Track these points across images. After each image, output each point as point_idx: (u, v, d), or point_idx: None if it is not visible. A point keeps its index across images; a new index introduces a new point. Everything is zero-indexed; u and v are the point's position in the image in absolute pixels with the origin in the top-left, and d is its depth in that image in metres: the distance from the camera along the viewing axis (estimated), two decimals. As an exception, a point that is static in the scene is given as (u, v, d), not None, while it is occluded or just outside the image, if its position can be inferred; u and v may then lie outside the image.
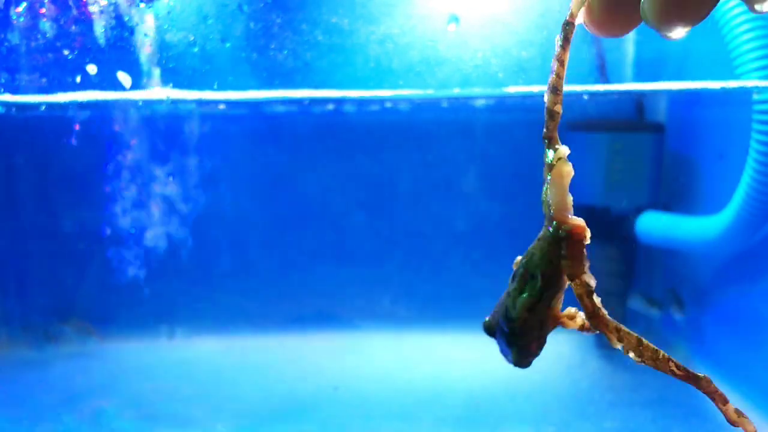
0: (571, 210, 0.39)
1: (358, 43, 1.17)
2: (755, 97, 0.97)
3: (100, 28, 1.10)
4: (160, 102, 1.17)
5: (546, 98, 0.39)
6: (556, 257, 0.38)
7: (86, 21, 1.10)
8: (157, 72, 1.12)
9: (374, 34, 1.17)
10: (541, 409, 1.14)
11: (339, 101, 1.31)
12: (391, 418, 1.12)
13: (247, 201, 1.48)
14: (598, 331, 0.39)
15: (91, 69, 1.11)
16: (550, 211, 0.39)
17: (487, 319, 0.43)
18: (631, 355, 0.39)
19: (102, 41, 1.11)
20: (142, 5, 1.10)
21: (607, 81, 1.30)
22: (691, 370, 0.39)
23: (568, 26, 0.38)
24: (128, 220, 1.40)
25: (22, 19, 1.10)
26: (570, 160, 0.39)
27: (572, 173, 0.38)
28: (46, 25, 1.10)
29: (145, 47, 1.11)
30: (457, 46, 1.18)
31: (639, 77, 1.35)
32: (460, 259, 1.48)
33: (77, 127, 1.36)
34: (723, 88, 1.07)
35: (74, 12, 1.09)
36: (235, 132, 1.45)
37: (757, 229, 1.02)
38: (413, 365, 1.35)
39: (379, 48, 1.17)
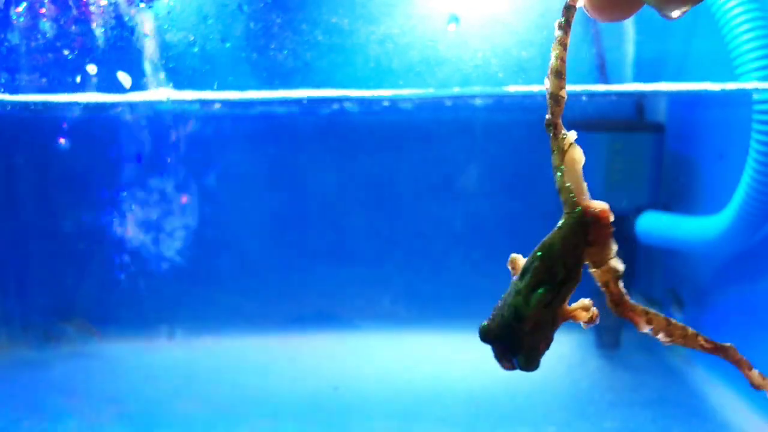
0: (588, 194, 0.38)
1: (358, 43, 1.17)
2: (755, 97, 0.97)
3: (100, 28, 1.10)
4: (160, 102, 1.17)
5: (548, 83, 0.38)
6: (581, 245, 0.37)
7: (86, 21, 1.10)
8: (156, 72, 1.12)
9: (374, 34, 1.17)
10: (541, 409, 1.14)
11: (339, 101, 1.31)
12: (391, 418, 1.12)
13: (247, 201, 1.48)
14: (595, 323, 0.39)
15: (91, 69, 1.11)
16: (570, 197, 0.38)
17: (484, 323, 0.40)
18: (661, 336, 0.38)
19: (102, 41, 1.11)
20: (142, 5, 1.10)
21: (607, 81, 1.30)
22: (717, 342, 0.39)
23: (569, 9, 0.37)
24: (128, 220, 1.40)
25: (22, 19, 1.10)
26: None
27: (584, 158, 0.37)
28: (46, 25, 1.10)
29: (146, 47, 1.11)
30: (457, 46, 1.18)
31: (639, 77, 1.35)
32: (460, 259, 1.48)
33: (77, 127, 1.36)
34: (723, 90, 1.07)
35: (74, 12, 1.09)
36: (235, 132, 1.45)
37: (757, 229, 1.02)
38: (413, 365, 1.35)
39: (379, 48, 1.17)
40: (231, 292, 1.49)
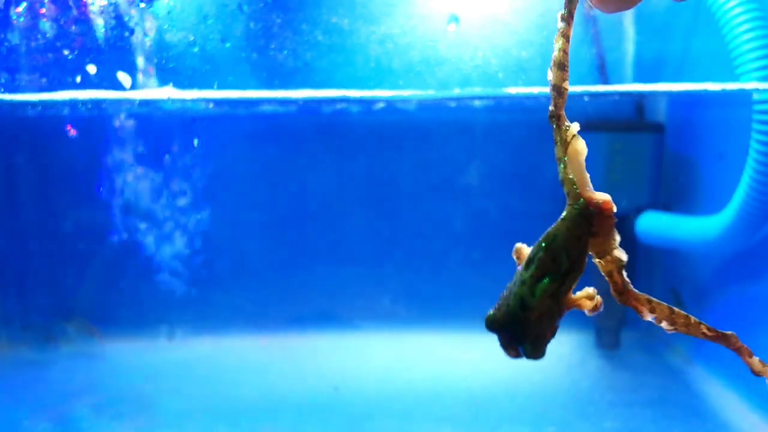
0: (592, 185, 0.38)
1: (358, 43, 1.17)
2: (755, 97, 0.97)
3: (100, 28, 1.10)
4: (159, 102, 1.17)
5: (551, 75, 0.38)
6: (585, 235, 0.38)
7: (86, 21, 1.10)
8: (156, 72, 1.12)
9: (374, 34, 1.17)
10: (541, 409, 1.14)
11: (339, 101, 1.31)
12: (391, 418, 1.12)
13: (247, 201, 1.48)
14: (599, 311, 0.39)
15: (91, 69, 1.11)
16: (574, 188, 0.38)
17: (490, 312, 0.41)
18: (664, 324, 0.39)
19: (102, 41, 1.11)
20: (142, 5, 1.10)
21: (607, 81, 1.30)
22: (718, 330, 0.40)
23: (572, 1, 0.37)
24: (128, 220, 1.40)
25: (22, 19, 1.10)
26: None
27: (587, 149, 0.38)
28: (46, 25, 1.10)
29: (146, 47, 1.11)
30: (457, 46, 1.18)
31: (639, 78, 1.35)
32: (460, 259, 1.48)
33: (77, 126, 1.36)
34: (723, 90, 1.07)
35: (74, 12, 1.09)
36: (236, 132, 1.45)
37: (757, 229, 1.02)
38: (413, 365, 1.35)
39: (379, 48, 1.17)
40: (231, 292, 1.49)
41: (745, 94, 0.99)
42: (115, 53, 1.11)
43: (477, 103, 1.34)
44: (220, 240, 1.48)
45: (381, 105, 1.33)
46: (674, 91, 1.27)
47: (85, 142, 1.39)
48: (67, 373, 1.33)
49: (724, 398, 1.14)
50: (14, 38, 1.11)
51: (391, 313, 1.49)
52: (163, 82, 1.12)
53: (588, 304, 0.39)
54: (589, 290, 0.39)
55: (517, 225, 1.42)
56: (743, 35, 0.95)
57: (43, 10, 1.09)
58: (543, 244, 0.39)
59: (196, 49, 1.13)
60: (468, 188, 1.45)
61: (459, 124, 1.43)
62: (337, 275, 1.49)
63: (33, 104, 1.19)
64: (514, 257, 0.41)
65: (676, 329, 0.39)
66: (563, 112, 0.38)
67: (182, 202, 1.42)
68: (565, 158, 0.38)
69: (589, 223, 0.38)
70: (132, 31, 1.11)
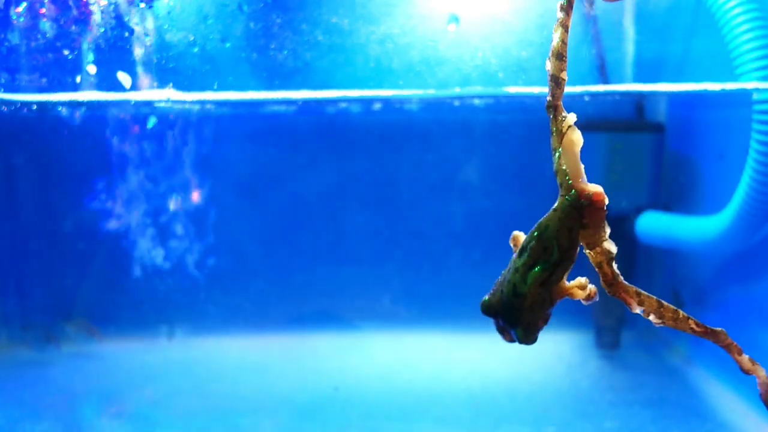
0: (585, 177, 0.38)
1: (358, 43, 1.17)
2: (755, 97, 0.97)
3: (100, 28, 1.10)
4: (159, 102, 1.17)
5: (549, 65, 0.38)
6: (575, 226, 0.38)
7: (86, 21, 1.10)
8: (156, 72, 1.12)
9: (374, 34, 1.17)
10: (541, 409, 1.14)
11: (339, 101, 1.31)
12: (391, 418, 1.12)
13: (246, 201, 1.48)
14: (594, 300, 0.39)
15: (91, 69, 1.11)
16: (566, 179, 0.38)
17: (485, 298, 0.41)
18: (652, 317, 0.39)
19: (102, 41, 1.10)
20: (142, 5, 1.10)
21: (607, 81, 1.30)
22: (708, 326, 0.40)
23: None
24: (128, 220, 1.40)
25: (22, 19, 1.10)
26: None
27: (582, 140, 0.38)
28: (46, 25, 1.10)
29: (146, 47, 1.11)
30: (457, 46, 1.18)
31: (639, 77, 1.35)
32: (460, 259, 1.48)
33: (77, 126, 1.36)
34: (723, 90, 1.06)
35: (74, 12, 1.09)
36: (235, 132, 1.45)
37: (757, 229, 1.02)
38: (413, 365, 1.35)
39: (379, 48, 1.17)
40: (231, 292, 1.49)
41: (745, 94, 0.99)
42: (115, 53, 1.11)
43: (477, 102, 1.34)
44: (220, 240, 1.48)
45: (378, 105, 1.33)
46: (674, 91, 1.27)
47: (85, 142, 1.39)
48: (67, 373, 1.33)
49: (723, 398, 1.14)
50: (14, 38, 1.11)
51: (391, 313, 1.49)
52: (163, 82, 1.12)
53: (580, 293, 0.39)
54: (582, 280, 0.40)
55: (517, 225, 1.41)
56: (743, 35, 0.95)
57: (43, 10, 1.09)
58: (535, 234, 0.39)
59: (196, 49, 1.13)
60: (468, 188, 1.45)
61: (459, 124, 1.43)
62: (337, 275, 1.49)
63: (33, 105, 1.19)
64: (511, 244, 0.41)
65: (663, 323, 0.39)
66: (560, 103, 0.39)
67: (182, 202, 1.42)
68: (560, 149, 0.38)
69: (580, 214, 0.38)
70: (132, 31, 1.11)
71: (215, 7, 1.14)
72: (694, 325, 0.39)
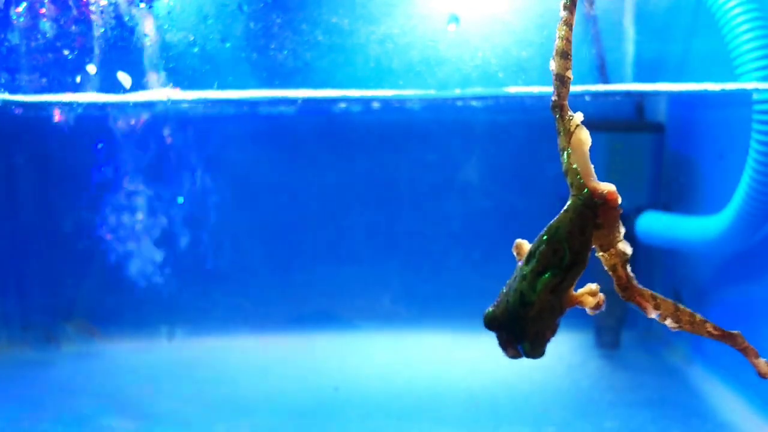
0: (596, 175, 0.37)
1: (358, 43, 1.17)
2: (755, 97, 0.97)
3: (100, 28, 1.10)
4: (159, 102, 1.17)
5: (554, 64, 0.37)
6: (589, 227, 0.36)
7: (86, 21, 1.10)
8: (156, 72, 1.12)
9: (374, 34, 1.17)
10: (541, 409, 1.14)
11: (339, 101, 1.31)
12: (391, 418, 1.12)
13: (247, 201, 1.48)
14: (601, 309, 0.38)
15: (91, 69, 1.11)
16: (578, 179, 0.37)
17: (489, 309, 0.39)
18: (668, 322, 0.38)
19: (102, 41, 1.10)
20: (142, 5, 1.10)
21: (607, 81, 1.30)
22: (724, 329, 0.38)
23: None
24: (128, 220, 1.40)
25: (22, 19, 1.10)
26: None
27: (590, 139, 0.37)
28: (46, 25, 1.10)
29: (146, 47, 1.11)
30: (457, 46, 1.18)
31: (639, 77, 1.35)
32: (460, 259, 1.48)
33: (77, 127, 1.36)
34: (723, 90, 1.06)
35: (74, 12, 1.09)
36: (235, 132, 1.45)
37: (757, 229, 1.02)
38: (413, 365, 1.35)
39: (379, 48, 1.17)
40: (231, 292, 1.49)
41: (745, 94, 0.99)
42: (115, 53, 1.11)
43: (477, 103, 1.34)
44: (220, 240, 1.48)
45: (378, 105, 1.33)
46: (674, 91, 1.27)
47: (85, 142, 1.39)
48: (67, 373, 1.33)
49: (723, 398, 1.14)
50: (14, 38, 1.11)
51: (391, 313, 1.49)
52: (163, 82, 1.12)
53: (590, 301, 0.38)
54: (592, 286, 0.38)
55: (517, 225, 1.41)
56: (743, 35, 0.95)
57: (43, 10, 1.09)
58: (545, 237, 0.37)
59: (196, 49, 1.13)
60: (468, 188, 1.45)
61: (459, 124, 1.43)
62: (337, 275, 1.49)
63: (33, 105, 1.19)
64: (514, 253, 0.40)
65: (680, 327, 0.38)
66: (566, 102, 0.38)
67: (182, 202, 1.42)
68: (569, 148, 0.37)
69: (593, 214, 0.37)
70: (132, 31, 1.11)
71: (215, 7, 1.14)
72: (711, 329, 0.38)
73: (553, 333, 0.39)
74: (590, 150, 0.38)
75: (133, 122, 1.37)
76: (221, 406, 1.17)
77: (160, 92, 1.12)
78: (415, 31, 1.18)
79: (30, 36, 1.10)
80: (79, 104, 1.15)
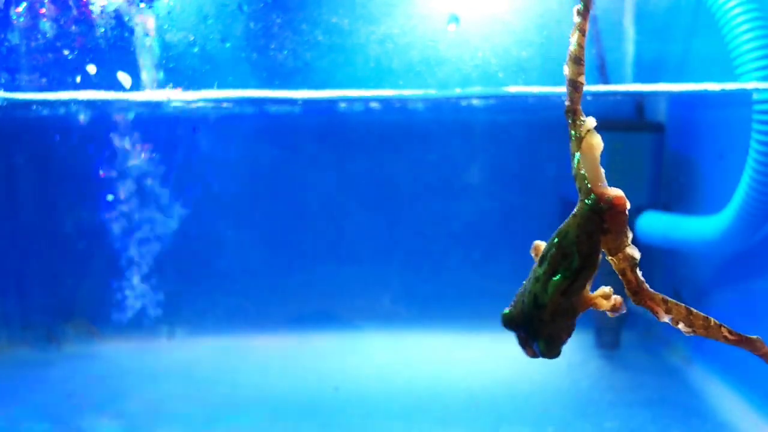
0: (605, 181, 0.37)
1: (358, 43, 1.17)
2: (755, 97, 0.97)
3: (100, 28, 1.10)
4: (159, 102, 1.17)
5: (567, 70, 0.37)
6: (596, 232, 0.37)
7: (86, 21, 1.10)
8: (156, 72, 1.12)
9: (374, 34, 1.17)
10: (541, 409, 1.14)
11: (339, 101, 1.31)
12: (391, 418, 1.12)
13: (247, 201, 1.48)
14: (620, 312, 0.37)
15: (91, 69, 1.11)
16: (586, 184, 0.37)
17: (506, 310, 0.40)
18: (681, 326, 0.37)
19: (102, 41, 1.10)
20: (142, 5, 1.10)
21: (607, 81, 1.30)
22: (742, 333, 0.38)
23: None
24: (128, 220, 1.40)
25: (22, 19, 1.10)
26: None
27: (602, 144, 0.37)
28: (46, 25, 1.10)
29: (146, 47, 1.11)
30: (457, 46, 1.18)
31: (639, 78, 1.35)
32: (460, 259, 1.48)
33: (77, 127, 1.36)
34: (723, 90, 1.06)
35: (74, 12, 1.09)
36: (236, 132, 1.45)
37: (757, 229, 1.02)
38: (413, 365, 1.35)
39: (379, 48, 1.17)
40: (231, 292, 1.49)
41: (745, 94, 0.99)
42: (115, 53, 1.11)
43: (477, 102, 1.34)
44: (220, 240, 1.48)
45: (377, 105, 1.33)
46: (674, 91, 1.27)
47: (85, 142, 1.39)
48: (67, 373, 1.33)
49: (723, 398, 1.14)
50: (14, 38, 1.11)
51: (391, 313, 1.49)
52: (163, 82, 1.12)
53: (605, 304, 0.38)
54: (605, 289, 0.38)
55: (518, 225, 1.42)
56: (743, 35, 0.95)
57: (43, 10, 1.09)
58: (555, 240, 0.38)
59: (196, 49, 1.13)
60: (468, 188, 1.45)
61: (459, 124, 1.43)
62: (337, 275, 1.49)
63: (34, 105, 1.19)
64: (532, 254, 0.40)
65: (694, 332, 0.37)
66: (579, 107, 0.38)
67: (182, 201, 1.42)
68: (579, 153, 0.37)
69: (600, 218, 0.37)
70: (132, 31, 1.11)
71: (215, 7, 1.14)
72: (727, 333, 0.38)
73: (568, 334, 0.39)
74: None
75: (132, 122, 1.37)
76: (221, 406, 1.17)
77: (160, 92, 1.12)
78: (415, 31, 1.18)
79: (30, 36, 1.10)
80: (79, 104, 1.15)
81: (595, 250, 0.37)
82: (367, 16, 1.17)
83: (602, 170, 0.37)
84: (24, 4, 1.09)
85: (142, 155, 1.38)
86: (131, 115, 1.36)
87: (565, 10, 1.13)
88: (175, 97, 1.13)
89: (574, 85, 0.38)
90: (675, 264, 1.40)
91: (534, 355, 0.40)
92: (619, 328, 1.39)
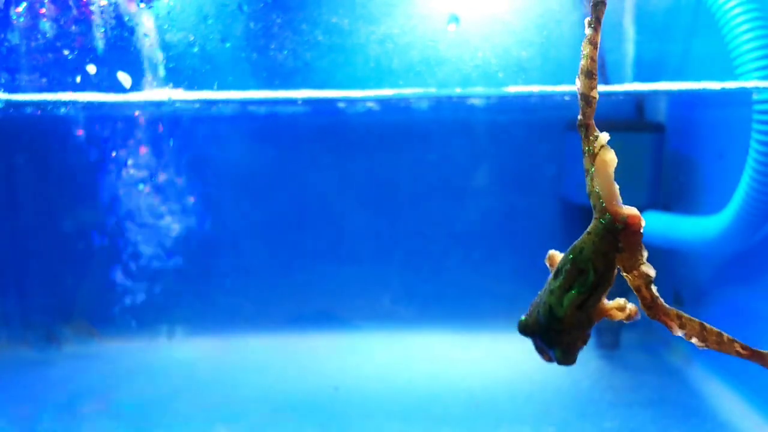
0: (620, 199, 0.36)
1: (358, 43, 1.17)
2: (755, 97, 0.97)
3: (100, 28, 1.10)
4: (160, 102, 1.17)
5: (579, 84, 0.37)
6: (611, 251, 0.36)
7: (86, 21, 1.10)
8: (156, 72, 1.12)
9: (374, 34, 1.17)
10: (541, 409, 1.14)
11: (339, 101, 1.31)
12: (391, 418, 1.12)
13: (247, 201, 1.48)
14: (636, 319, 0.38)
15: (91, 69, 1.11)
16: (600, 202, 0.36)
17: (522, 318, 0.40)
18: (695, 341, 0.37)
19: (102, 41, 1.10)
20: (142, 5, 1.10)
21: (607, 81, 1.30)
22: (755, 349, 0.37)
23: (599, 5, 0.36)
24: (128, 220, 1.40)
25: (22, 19, 1.10)
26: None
27: (616, 160, 0.36)
28: (46, 25, 1.10)
29: (146, 47, 1.11)
30: (457, 46, 1.18)
31: (639, 77, 1.35)
32: (460, 259, 1.48)
33: (77, 127, 1.36)
34: (723, 89, 1.06)
35: (74, 12, 1.09)
36: (235, 132, 1.45)
37: (757, 229, 1.02)
38: (413, 365, 1.35)
39: (379, 48, 1.17)
40: (231, 292, 1.49)
41: (745, 94, 0.99)
42: (116, 53, 1.11)
43: (477, 102, 1.34)
44: (220, 240, 1.48)
45: (377, 105, 1.33)
46: (674, 91, 1.27)
47: (85, 142, 1.39)
48: (67, 373, 1.33)
49: (723, 398, 1.14)
50: (14, 38, 1.11)
51: (391, 313, 1.49)
52: (163, 82, 1.12)
53: (619, 315, 0.38)
54: (620, 301, 0.38)
55: (518, 225, 1.41)
56: (743, 35, 0.95)
57: (43, 10, 1.09)
58: (570, 257, 0.37)
59: (196, 49, 1.13)
60: (468, 188, 1.45)
61: (459, 124, 1.43)
62: (337, 275, 1.49)
63: (33, 105, 1.19)
64: (547, 264, 0.40)
65: (707, 346, 0.37)
66: (592, 122, 0.37)
67: (182, 201, 1.42)
68: (593, 170, 0.37)
69: (615, 238, 0.36)
70: (132, 31, 1.11)
71: (215, 7, 1.14)
72: (740, 348, 0.38)
73: (584, 342, 0.39)
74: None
75: (132, 122, 1.37)
76: (221, 406, 1.17)
77: (160, 92, 1.12)
78: (415, 31, 1.18)
79: (30, 36, 1.10)
80: (79, 104, 1.15)
81: (610, 267, 0.37)
82: (367, 16, 1.17)
83: (617, 187, 0.37)
84: (24, 4, 1.09)
85: (142, 155, 1.38)
86: (131, 115, 1.36)
87: (565, 10, 1.13)
88: (176, 97, 1.13)
89: (587, 100, 0.37)
90: (675, 264, 1.40)
91: (550, 360, 0.40)
92: (619, 328, 1.39)
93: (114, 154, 1.38)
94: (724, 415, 1.09)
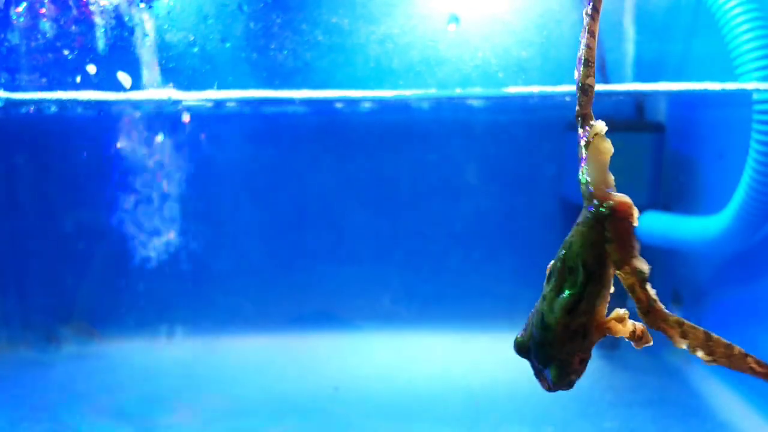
0: (614, 187, 0.34)
1: (358, 43, 1.17)
2: (755, 97, 0.97)
3: (100, 28, 1.10)
4: (160, 102, 1.17)
5: (577, 73, 0.36)
6: (600, 241, 0.33)
7: (86, 21, 1.10)
8: (157, 72, 1.12)
9: (374, 34, 1.17)
10: (541, 409, 1.14)
11: (339, 101, 1.31)
12: (391, 418, 1.12)
13: (247, 201, 1.48)
14: (648, 343, 0.34)
15: (91, 69, 1.11)
16: (588, 189, 0.34)
17: (518, 336, 0.37)
18: (700, 354, 0.33)
19: (102, 41, 1.11)
20: (142, 5, 1.10)
21: (607, 81, 1.30)
22: None
23: None
24: (128, 220, 1.40)
25: (22, 19, 1.10)
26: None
27: (611, 150, 0.34)
28: (46, 25, 1.10)
29: (146, 47, 1.11)
30: (457, 46, 1.18)
31: (639, 77, 1.35)
32: (460, 259, 1.48)
33: (77, 126, 1.36)
34: (723, 90, 1.07)
35: (74, 12, 1.09)
36: (235, 132, 1.45)
37: (757, 229, 1.02)
38: (413, 365, 1.35)
39: (379, 48, 1.17)
40: (231, 292, 1.49)
41: (745, 94, 0.99)
42: (116, 53, 1.11)
43: (477, 102, 1.34)
44: (220, 240, 1.48)
45: (377, 105, 1.33)
46: (674, 91, 1.27)
47: (85, 142, 1.39)
48: (67, 373, 1.33)
49: (723, 398, 1.14)
50: (14, 38, 1.11)
51: (391, 313, 1.49)
52: (163, 82, 1.12)
53: (620, 328, 0.35)
54: (620, 311, 0.35)
55: (517, 225, 1.41)
56: (743, 35, 0.95)
57: (43, 10, 1.09)
58: (560, 253, 0.35)
59: (196, 49, 1.13)
60: (468, 188, 1.45)
61: (459, 124, 1.43)
62: (337, 275, 1.49)
63: (34, 105, 1.19)
64: (548, 272, 0.37)
65: (715, 361, 0.33)
66: (590, 111, 0.35)
67: (182, 201, 1.42)
68: (585, 158, 0.35)
69: (602, 227, 0.33)
70: (132, 31, 1.11)
71: (215, 7, 1.14)
72: (754, 364, 0.34)
73: (581, 363, 0.36)
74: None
75: (132, 122, 1.37)
76: (221, 406, 1.17)
77: (160, 92, 1.12)
78: (415, 31, 1.18)
79: (30, 36, 1.10)
80: (79, 104, 1.15)
81: (601, 263, 0.34)
82: (367, 16, 1.17)
83: (611, 176, 0.34)
84: (24, 4, 1.09)
85: (142, 155, 1.38)
86: (131, 115, 1.36)
87: (565, 10, 1.13)
88: (176, 97, 1.13)
89: (584, 89, 0.36)
90: (675, 264, 1.40)
91: (549, 388, 0.37)
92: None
93: (113, 154, 1.38)
94: (724, 415, 1.09)
